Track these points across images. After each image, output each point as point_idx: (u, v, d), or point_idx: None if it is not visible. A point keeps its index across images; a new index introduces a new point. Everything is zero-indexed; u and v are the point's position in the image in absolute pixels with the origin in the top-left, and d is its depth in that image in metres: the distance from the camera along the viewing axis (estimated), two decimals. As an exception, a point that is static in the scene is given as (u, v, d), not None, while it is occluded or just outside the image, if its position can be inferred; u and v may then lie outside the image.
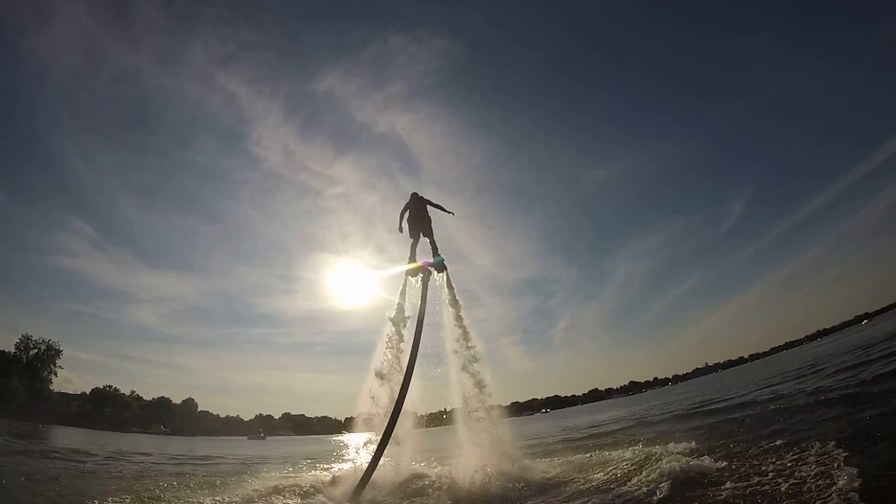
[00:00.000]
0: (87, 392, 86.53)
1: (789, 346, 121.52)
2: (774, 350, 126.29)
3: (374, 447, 10.24)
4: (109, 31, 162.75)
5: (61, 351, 76.94)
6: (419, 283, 12.21)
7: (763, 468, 7.23)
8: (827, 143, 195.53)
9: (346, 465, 14.76)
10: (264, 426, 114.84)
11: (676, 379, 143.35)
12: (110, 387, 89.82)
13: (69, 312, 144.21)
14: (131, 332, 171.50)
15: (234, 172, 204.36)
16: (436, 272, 12.44)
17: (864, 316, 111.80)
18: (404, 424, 11.24)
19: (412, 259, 12.44)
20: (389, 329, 12.49)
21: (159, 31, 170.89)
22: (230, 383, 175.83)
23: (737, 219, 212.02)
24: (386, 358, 12.22)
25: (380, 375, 12.07)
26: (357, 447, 15.55)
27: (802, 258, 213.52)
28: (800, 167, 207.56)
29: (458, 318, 12.45)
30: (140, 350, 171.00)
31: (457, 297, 12.64)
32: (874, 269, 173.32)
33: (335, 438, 69.38)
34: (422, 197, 12.70)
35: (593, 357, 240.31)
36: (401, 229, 12.64)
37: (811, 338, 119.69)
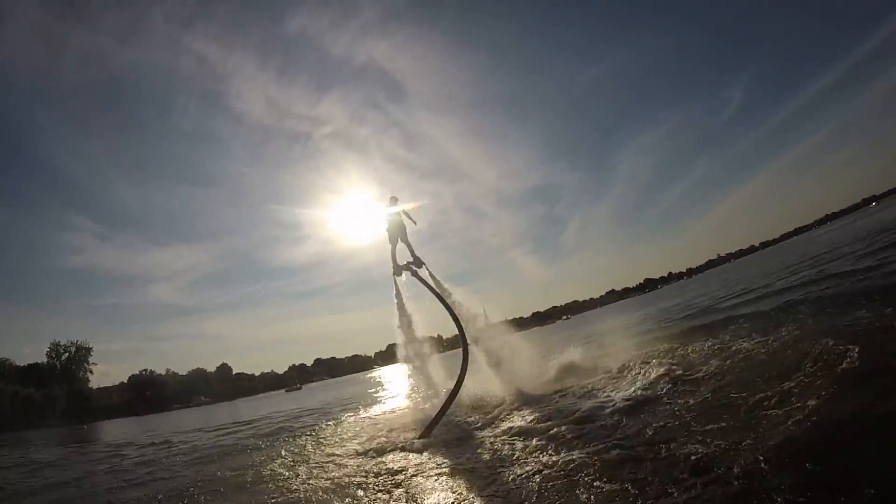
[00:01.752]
0: (125, 381, 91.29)
1: (798, 231, 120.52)
2: (785, 236, 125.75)
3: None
4: (63, 19, 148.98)
5: (91, 348, 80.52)
6: (408, 279, 13.74)
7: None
8: (824, 24, 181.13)
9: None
10: (299, 375, 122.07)
11: (690, 272, 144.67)
12: (146, 370, 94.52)
13: (89, 308, 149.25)
14: (154, 313, 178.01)
15: (220, 132, 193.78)
16: (416, 268, 13.77)
17: (871, 199, 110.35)
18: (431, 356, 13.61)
19: (393, 261, 13.79)
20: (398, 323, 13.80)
21: (113, 5, 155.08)
22: (260, 340, 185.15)
23: (737, 105, 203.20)
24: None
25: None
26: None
27: (808, 142, 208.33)
28: (798, 49, 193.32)
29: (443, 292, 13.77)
30: (167, 328, 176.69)
31: (439, 280, 14.02)
32: (881, 151, 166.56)
33: (368, 376, 72.01)
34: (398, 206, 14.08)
35: (607, 257, 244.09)
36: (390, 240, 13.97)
37: (820, 222, 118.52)
